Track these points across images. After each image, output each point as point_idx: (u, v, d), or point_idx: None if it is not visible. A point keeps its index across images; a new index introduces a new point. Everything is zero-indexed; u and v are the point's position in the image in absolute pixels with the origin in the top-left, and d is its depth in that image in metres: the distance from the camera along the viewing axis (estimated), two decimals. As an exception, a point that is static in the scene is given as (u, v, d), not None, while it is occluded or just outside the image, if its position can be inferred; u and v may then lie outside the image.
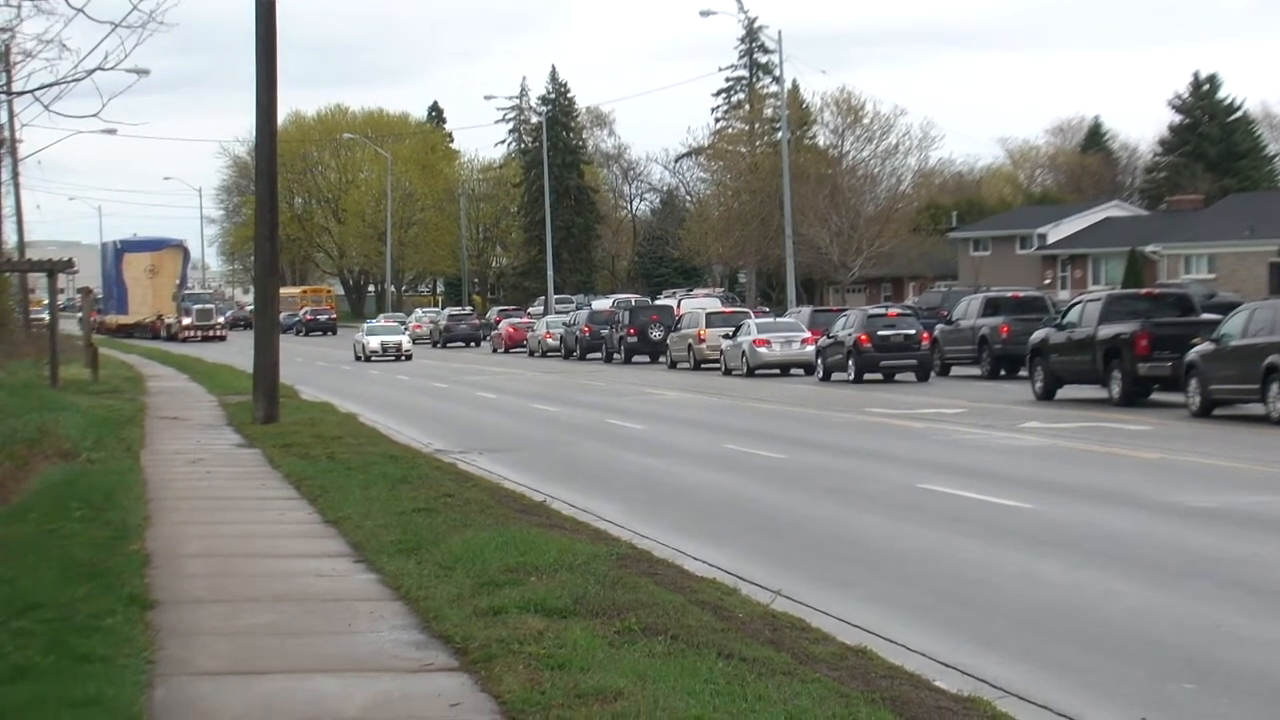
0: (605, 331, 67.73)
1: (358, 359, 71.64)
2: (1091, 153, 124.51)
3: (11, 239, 69.00)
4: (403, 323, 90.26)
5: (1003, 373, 46.05)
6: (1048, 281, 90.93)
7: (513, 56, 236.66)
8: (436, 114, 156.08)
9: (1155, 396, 34.78)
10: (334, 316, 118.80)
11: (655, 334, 63.68)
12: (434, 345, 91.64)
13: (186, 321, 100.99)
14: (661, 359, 61.89)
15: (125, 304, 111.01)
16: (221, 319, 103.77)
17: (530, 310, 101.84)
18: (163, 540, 15.69)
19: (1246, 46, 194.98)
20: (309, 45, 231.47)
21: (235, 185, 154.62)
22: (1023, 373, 40.65)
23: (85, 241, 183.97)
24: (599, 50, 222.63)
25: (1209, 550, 15.87)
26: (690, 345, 57.92)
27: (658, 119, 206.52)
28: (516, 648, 10.44)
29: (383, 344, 71.95)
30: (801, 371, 51.13)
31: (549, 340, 74.46)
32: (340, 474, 20.78)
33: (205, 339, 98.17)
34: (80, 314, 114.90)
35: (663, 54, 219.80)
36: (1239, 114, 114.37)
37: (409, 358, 70.81)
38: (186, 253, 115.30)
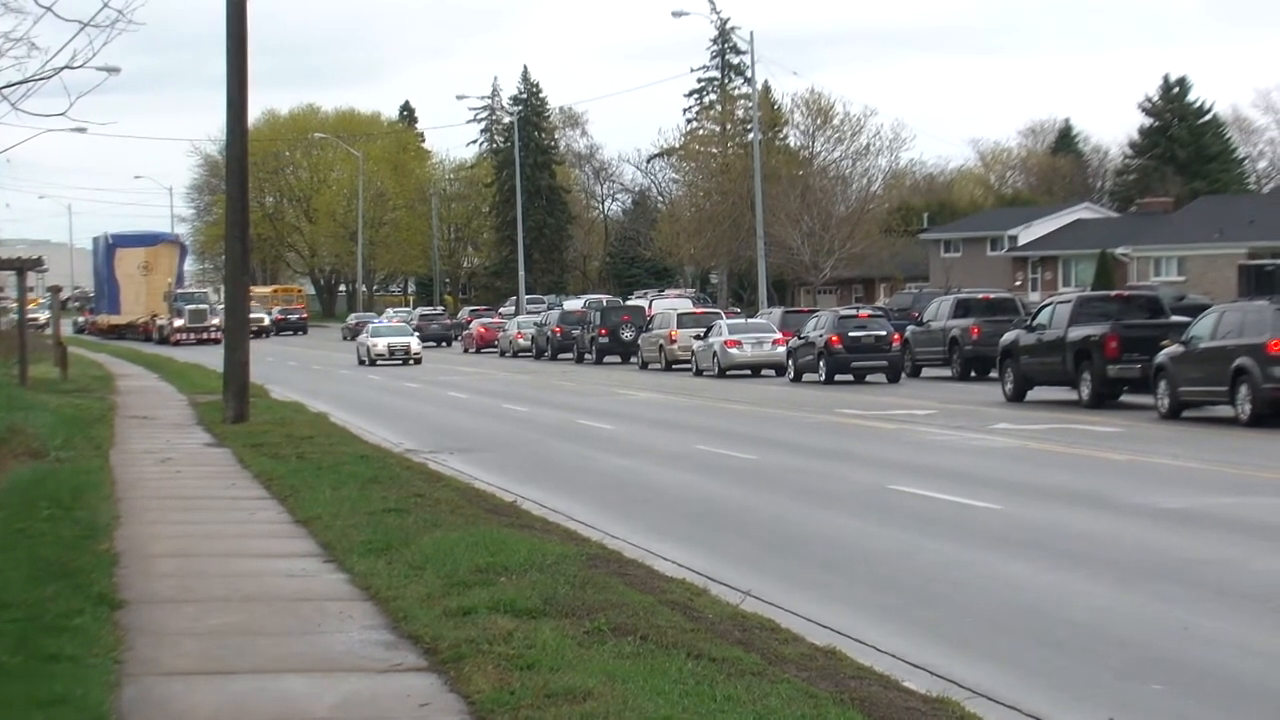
0: (577, 332, 67.58)
1: (361, 363, 66.87)
2: (1062, 155, 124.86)
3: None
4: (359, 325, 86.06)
5: (973, 374, 46.14)
6: (1018, 283, 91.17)
7: (484, 56, 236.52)
8: (408, 114, 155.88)
9: (1125, 398, 34.90)
10: (305, 316, 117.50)
11: (627, 334, 63.57)
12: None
13: (179, 323, 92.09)
14: (633, 360, 61.81)
15: (117, 303, 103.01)
16: (217, 320, 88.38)
17: (502, 310, 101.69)
18: (132, 540, 15.64)
19: (1216, 50, 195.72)
20: (280, 44, 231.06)
21: (206, 184, 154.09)
22: (993, 374, 40.73)
23: (55, 240, 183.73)
24: (571, 50, 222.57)
25: (1177, 551, 15.94)
26: (661, 346, 57.88)
27: (630, 120, 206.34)
28: (486, 648, 10.44)
29: (389, 346, 66.60)
30: (773, 372, 51.15)
31: (520, 340, 74.19)
32: (310, 474, 20.74)
33: (200, 342, 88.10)
34: (76, 312, 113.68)
35: (635, 55, 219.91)
36: (1209, 117, 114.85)
37: (418, 361, 66.23)
38: (183, 248, 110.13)
